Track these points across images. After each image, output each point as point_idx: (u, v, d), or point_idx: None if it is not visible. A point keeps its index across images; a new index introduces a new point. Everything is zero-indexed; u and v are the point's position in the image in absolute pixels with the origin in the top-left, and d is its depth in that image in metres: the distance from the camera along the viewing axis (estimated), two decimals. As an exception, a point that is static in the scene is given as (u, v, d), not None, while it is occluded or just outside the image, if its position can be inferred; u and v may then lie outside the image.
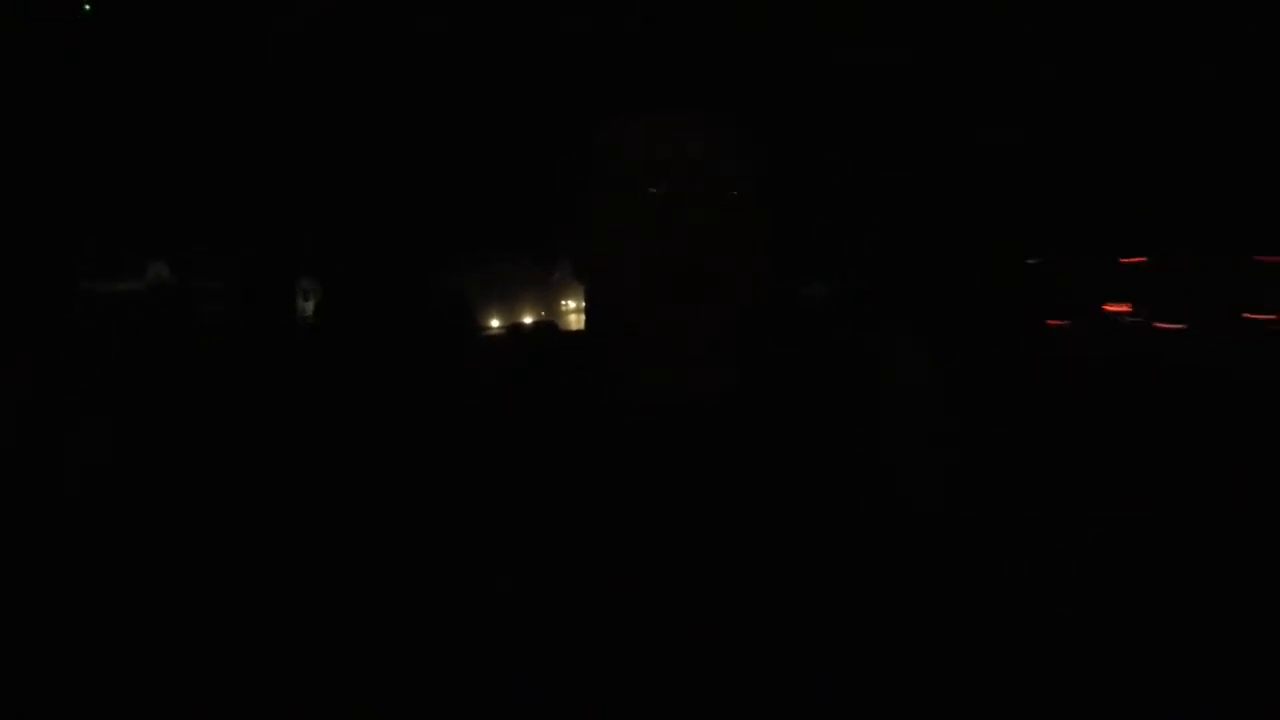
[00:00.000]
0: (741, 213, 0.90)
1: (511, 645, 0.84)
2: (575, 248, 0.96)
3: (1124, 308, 6.90)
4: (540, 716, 0.83)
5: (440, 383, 1.00)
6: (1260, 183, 5.84)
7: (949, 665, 0.87)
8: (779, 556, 0.87)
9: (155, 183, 6.32)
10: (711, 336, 0.90)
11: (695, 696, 0.83)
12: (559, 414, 0.94)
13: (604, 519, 0.88)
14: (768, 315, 0.95)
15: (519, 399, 0.96)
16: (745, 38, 0.98)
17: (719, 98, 0.92)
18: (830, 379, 1.00)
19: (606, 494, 0.89)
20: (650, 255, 0.88)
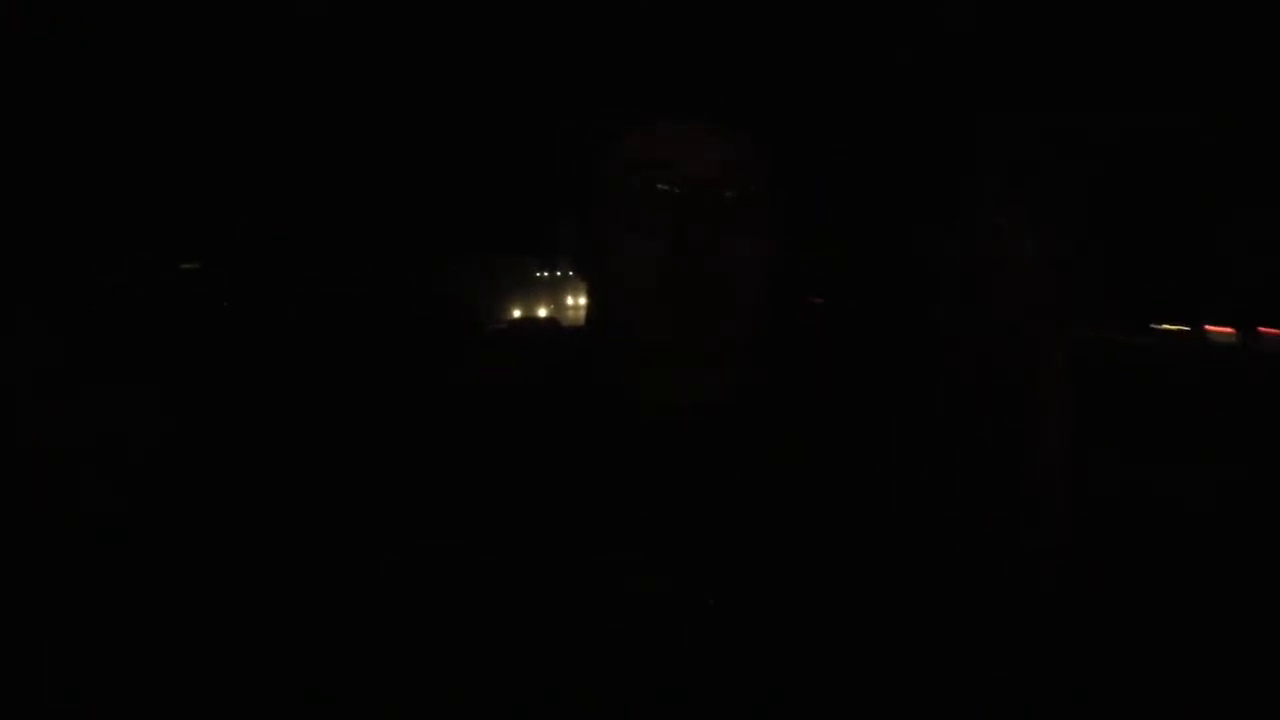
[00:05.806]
0: (748, 218, 0.90)
1: (509, 649, 0.84)
2: (580, 248, 0.96)
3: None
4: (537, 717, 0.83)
5: (442, 380, 0.99)
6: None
7: (949, 670, 0.87)
8: (780, 561, 0.87)
9: (156, 179, 6.29)
10: (714, 341, 0.90)
11: (690, 701, 0.83)
12: (558, 414, 0.93)
13: (601, 521, 0.87)
14: (773, 320, 0.95)
15: (520, 398, 0.95)
16: (757, 46, 0.97)
17: (729, 105, 0.91)
18: (834, 385, 1.00)
19: (602, 495, 0.88)
20: (655, 258, 0.88)
